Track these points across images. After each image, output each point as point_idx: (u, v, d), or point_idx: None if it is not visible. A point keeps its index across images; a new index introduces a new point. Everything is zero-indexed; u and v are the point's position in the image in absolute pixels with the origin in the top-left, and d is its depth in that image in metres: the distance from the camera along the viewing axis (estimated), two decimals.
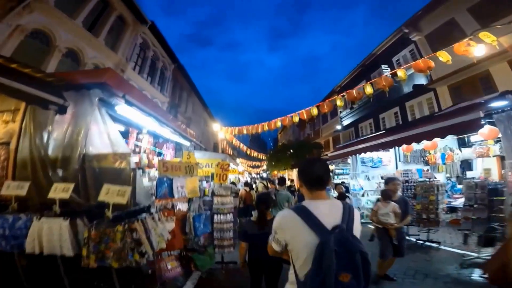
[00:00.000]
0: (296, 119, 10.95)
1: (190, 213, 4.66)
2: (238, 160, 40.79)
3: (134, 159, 7.89)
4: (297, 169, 1.98)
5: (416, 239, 6.62)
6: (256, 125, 13.59)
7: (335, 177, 12.24)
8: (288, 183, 14.92)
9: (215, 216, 5.36)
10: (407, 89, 14.78)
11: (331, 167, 14.33)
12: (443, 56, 5.75)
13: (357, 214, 1.43)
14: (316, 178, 1.47)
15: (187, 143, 10.56)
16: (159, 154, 8.93)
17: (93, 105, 4.77)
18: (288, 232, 1.38)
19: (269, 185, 10.71)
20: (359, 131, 20.30)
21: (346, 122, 20.81)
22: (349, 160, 10.20)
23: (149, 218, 3.37)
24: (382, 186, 9.16)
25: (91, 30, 11.22)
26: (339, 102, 8.44)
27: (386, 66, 15.65)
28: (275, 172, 28.81)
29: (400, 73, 6.98)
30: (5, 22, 7.44)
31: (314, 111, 9.77)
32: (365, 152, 8.33)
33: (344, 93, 7.98)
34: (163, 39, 16.61)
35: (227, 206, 5.47)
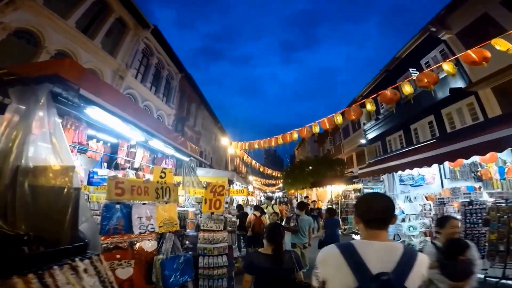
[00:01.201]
0: (317, 129, 9.32)
1: (158, 256, 3.14)
2: (250, 178, 39.41)
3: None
4: (355, 204, 1.47)
5: (485, 276, 5.07)
6: (269, 138, 12.07)
7: None
8: (310, 204, 13.12)
9: (201, 259, 3.77)
10: (441, 94, 12.90)
11: (358, 185, 12.34)
12: (501, 44, 4.49)
13: (421, 262, 1.22)
14: (375, 216, 1.32)
15: (185, 158, 9.17)
16: None
17: (38, 103, 3.48)
18: (329, 269, 1.31)
19: (277, 209, 9.06)
20: (386, 145, 18.22)
21: (371, 135, 18.84)
22: (383, 178, 8.32)
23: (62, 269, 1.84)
24: (429, 209, 7.40)
25: (86, 32, 10.45)
26: (369, 106, 6.85)
27: (415, 69, 13.89)
28: (292, 191, 26.93)
29: (447, 66, 5.60)
30: None
31: (338, 119, 8.15)
32: (407, 169, 6.54)
33: (376, 95, 6.38)
34: (169, 46, 15.81)
35: (218, 246, 3.88)
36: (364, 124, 19.60)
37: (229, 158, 21.07)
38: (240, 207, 7.84)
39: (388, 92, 6.40)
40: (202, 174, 9.53)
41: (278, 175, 27.41)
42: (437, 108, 13.44)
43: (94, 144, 6.20)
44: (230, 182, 9.74)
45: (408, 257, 1.20)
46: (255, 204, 10.53)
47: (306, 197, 18.41)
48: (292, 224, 6.33)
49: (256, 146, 13.11)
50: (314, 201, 16.13)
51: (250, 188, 16.24)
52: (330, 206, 10.95)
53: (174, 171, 10.06)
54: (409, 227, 6.95)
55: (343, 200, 13.59)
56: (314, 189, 19.03)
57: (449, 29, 12.18)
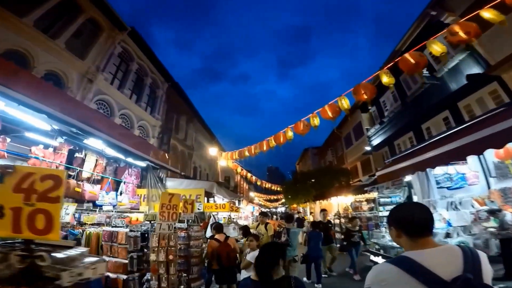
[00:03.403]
0: (316, 121, 7.50)
1: None
2: (252, 194, 37.26)
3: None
4: (389, 216, 1.42)
5: None
6: (260, 142, 10.24)
7: (381, 208, 8.21)
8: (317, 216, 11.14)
9: None
10: (454, 85, 11.18)
11: (372, 195, 10.22)
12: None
13: (483, 258, 1.20)
14: (419, 223, 1.27)
15: (141, 164, 7.30)
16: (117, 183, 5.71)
17: None
18: None
19: (271, 228, 6.71)
20: (395, 149, 16.29)
21: (376, 141, 16.97)
22: (406, 183, 6.31)
23: None
24: (485, 217, 5.27)
25: (47, 32, 9.19)
26: (386, 79, 5.10)
27: None
28: (295, 205, 24.79)
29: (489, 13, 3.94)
30: None
31: (344, 103, 6.32)
32: (444, 164, 4.59)
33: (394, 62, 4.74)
34: (151, 52, 14.51)
35: None
36: (367, 130, 17.88)
37: (219, 171, 19.08)
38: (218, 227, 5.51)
39: (409, 57, 4.66)
40: (173, 186, 7.64)
41: (278, 189, 25.34)
42: (452, 101, 11.61)
43: None
44: (208, 194, 7.81)
45: (471, 256, 1.17)
46: (251, 222, 8.36)
47: (299, 212, 16.49)
48: (283, 239, 5.63)
49: (247, 153, 11.28)
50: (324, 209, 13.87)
51: (246, 209, 14.12)
52: (317, 220, 8.99)
53: (138, 183, 8.15)
54: (460, 243, 4.79)
55: (353, 212, 11.39)
56: (318, 202, 17.03)
57: (452, 10, 10.62)
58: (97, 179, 7.27)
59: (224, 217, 7.85)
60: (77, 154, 7.00)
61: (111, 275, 3.96)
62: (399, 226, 1.30)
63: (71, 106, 5.62)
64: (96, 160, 7.22)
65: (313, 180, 19.68)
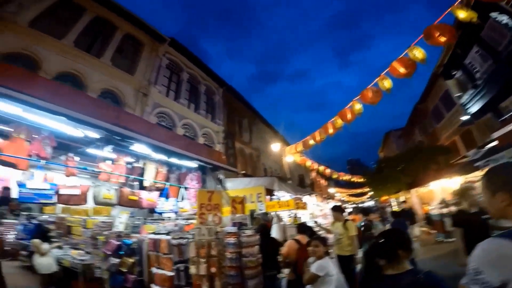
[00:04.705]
0: (387, 83, 5.98)
1: None
2: (332, 190, 34.61)
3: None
4: (493, 177, 1.19)
5: None
6: (324, 125, 8.84)
7: None
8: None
9: None
10: None
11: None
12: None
13: None
14: None
15: (192, 165, 6.80)
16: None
17: None
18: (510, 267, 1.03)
19: (352, 227, 5.21)
20: (502, 113, 12.31)
21: (474, 108, 13.24)
22: None
23: None
24: None
25: (90, 50, 9.75)
26: (463, 14, 3.73)
27: None
28: (385, 197, 21.49)
29: None
30: None
31: (418, 54, 4.98)
32: None
33: None
34: (198, 60, 14.56)
35: None
36: (459, 97, 14.13)
37: (288, 169, 17.91)
38: (262, 228, 4.51)
39: None
40: (232, 187, 6.98)
41: (361, 181, 22.51)
42: None
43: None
44: (269, 191, 6.82)
45: None
46: (315, 221, 6.91)
47: (403, 202, 14.78)
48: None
49: (312, 142, 9.93)
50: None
51: (324, 206, 12.57)
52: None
53: (200, 187, 7.79)
54: None
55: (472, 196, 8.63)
56: (414, 190, 14.13)
57: None
58: (159, 187, 7.26)
59: (290, 217, 6.71)
60: (135, 164, 7.11)
61: None
62: None
63: (113, 116, 5.63)
64: (156, 168, 7.22)
65: (402, 166, 16.52)
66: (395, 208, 17.65)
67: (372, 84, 6.09)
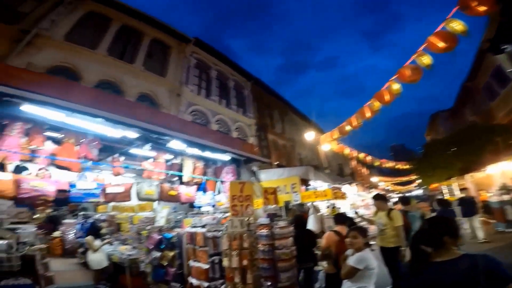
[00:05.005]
0: (426, 60, 5.55)
1: None
2: (375, 179, 32.74)
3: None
4: None
5: None
6: (360, 109, 8.39)
7: None
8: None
9: None
10: None
11: None
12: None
13: None
14: None
15: (226, 158, 6.86)
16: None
17: None
18: None
19: (398, 217, 4.79)
20: None
21: None
22: None
23: None
24: None
25: (123, 57, 10.41)
26: None
27: None
28: (436, 184, 19.65)
29: None
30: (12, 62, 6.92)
31: (457, 26, 4.62)
32: None
33: None
34: (224, 56, 14.83)
35: None
36: None
37: (324, 158, 17.31)
38: (297, 219, 4.35)
39: None
40: (266, 178, 6.95)
41: (406, 168, 20.92)
42: None
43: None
44: (305, 181, 6.61)
45: None
46: (356, 212, 6.53)
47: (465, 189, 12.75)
48: None
49: (348, 128, 9.45)
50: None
51: (366, 195, 11.94)
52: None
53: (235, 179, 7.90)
54: None
55: None
56: (468, 176, 12.75)
57: None
58: (197, 182, 7.51)
59: (328, 207, 6.42)
60: (174, 161, 7.43)
61: (195, 281, 3.52)
62: None
63: (149, 116, 5.91)
64: (194, 164, 7.47)
65: (453, 149, 14.90)
66: (447, 196, 16.16)
67: (409, 61, 5.56)
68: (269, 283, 3.18)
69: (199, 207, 6.65)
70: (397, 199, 19.08)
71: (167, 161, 6.90)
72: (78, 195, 4.99)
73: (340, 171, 27.29)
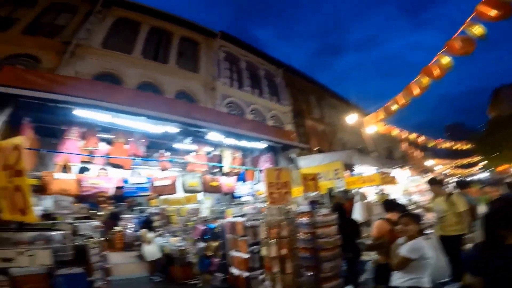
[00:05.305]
0: (478, 29, 4.98)
1: None
2: (431, 161, 29.77)
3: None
4: None
5: None
6: (407, 87, 7.70)
7: None
8: None
9: None
10: None
11: None
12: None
13: None
14: None
15: (263, 146, 6.75)
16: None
17: None
18: None
19: (460, 202, 4.20)
20: None
21: None
22: None
23: None
24: None
25: (157, 59, 11.08)
26: None
27: None
28: (505, 166, 17.21)
29: None
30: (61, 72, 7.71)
31: None
32: None
33: None
34: (251, 47, 15.04)
35: None
36: None
37: (371, 141, 16.22)
38: (335, 208, 4.03)
39: None
40: (306, 164, 6.75)
41: (466, 148, 18.66)
42: None
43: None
44: (349, 167, 6.22)
45: None
46: (409, 199, 5.91)
47: None
48: None
49: (395, 107, 8.67)
50: None
51: (420, 180, 10.89)
52: None
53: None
54: None
55: None
56: None
57: None
58: (236, 172, 7.62)
59: (377, 194, 5.92)
60: (214, 153, 7.61)
61: (236, 271, 3.55)
62: None
63: (186, 110, 6.11)
64: (232, 154, 7.58)
65: None
66: None
67: (458, 32, 4.88)
68: (310, 273, 3.06)
69: (239, 197, 6.75)
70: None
71: (207, 153, 7.09)
72: (131, 189, 5.40)
73: (389, 155, 25.44)
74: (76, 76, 7.78)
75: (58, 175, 4.41)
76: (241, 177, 7.06)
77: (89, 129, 5.09)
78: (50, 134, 4.88)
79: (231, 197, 7.70)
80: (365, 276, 3.84)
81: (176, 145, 6.94)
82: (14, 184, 1.79)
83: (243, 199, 6.62)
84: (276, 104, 15.19)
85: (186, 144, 6.59)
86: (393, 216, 3.47)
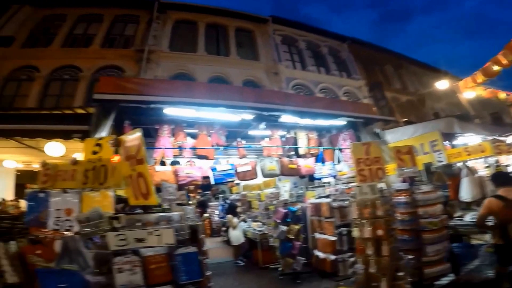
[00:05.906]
0: None
1: None
2: None
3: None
4: None
5: None
6: (508, 43, 6.26)
7: None
8: None
9: None
10: None
11: None
12: None
13: None
14: None
15: (340, 123, 6.22)
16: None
17: None
18: None
19: None
20: None
21: None
22: None
23: None
24: None
25: (219, 53, 11.65)
26: None
27: None
28: None
29: None
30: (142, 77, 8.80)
31: None
32: None
33: None
34: (305, 25, 14.66)
35: None
36: None
37: (469, 107, 13.43)
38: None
39: None
40: (395, 139, 6.06)
41: None
42: None
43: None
44: (448, 136, 5.26)
45: None
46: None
47: None
48: None
49: (496, 67, 7.03)
50: None
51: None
52: None
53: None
54: None
55: None
56: None
57: None
58: (313, 153, 7.40)
59: (489, 167, 4.80)
60: (288, 135, 7.55)
61: (321, 254, 3.43)
62: None
63: (257, 96, 6.19)
64: (307, 135, 7.38)
65: None
66: None
67: None
68: (410, 257, 2.72)
69: (319, 178, 6.56)
70: None
71: (281, 137, 7.10)
72: (219, 176, 5.87)
73: (495, 122, 20.81)
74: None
75: (158, 167, 5.14)
76: (320, 158, 6.85)
77: (177, 126, 5.70)
78: (146, 134, 5.64)
79: (308, 180, 7.58)
80: (477, 262, 3.28)
81: (251, 132, 7.19)
82: (137, 172, 2.13)
83: (324, 180, 6.42)
84: (347, 80, 14.20)
85: (260, 130, 6.74)
86: (508, 191, 2.85)
